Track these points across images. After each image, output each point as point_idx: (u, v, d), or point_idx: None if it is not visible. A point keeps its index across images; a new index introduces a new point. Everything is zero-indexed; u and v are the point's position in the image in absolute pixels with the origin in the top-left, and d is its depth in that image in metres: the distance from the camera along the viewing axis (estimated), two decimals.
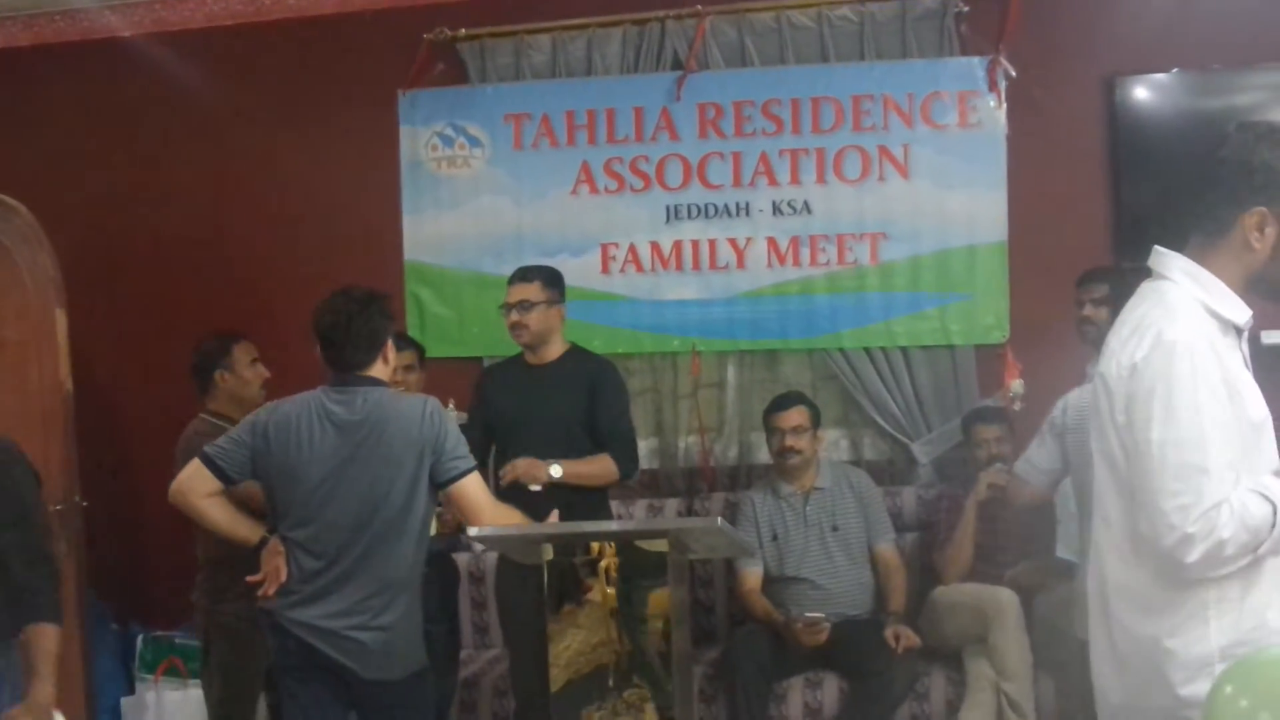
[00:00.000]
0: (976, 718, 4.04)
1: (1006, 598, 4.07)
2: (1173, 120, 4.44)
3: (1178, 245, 2.16)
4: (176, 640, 5.01)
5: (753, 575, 4.31)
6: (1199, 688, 1.98)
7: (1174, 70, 4.45)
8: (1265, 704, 1.84)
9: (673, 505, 4.78)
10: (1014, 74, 4.49)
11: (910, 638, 4.16)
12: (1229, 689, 1.92)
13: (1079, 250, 4.24)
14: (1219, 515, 1.97)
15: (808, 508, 4.26)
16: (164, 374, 4.87)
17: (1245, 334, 2.14)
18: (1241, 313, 2.10)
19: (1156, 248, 2.20)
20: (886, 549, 4.32)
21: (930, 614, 4.28)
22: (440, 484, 3.33)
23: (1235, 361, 2.08)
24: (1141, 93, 4.50)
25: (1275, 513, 1.95)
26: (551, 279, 4.01)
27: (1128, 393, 2.08)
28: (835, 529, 4.28)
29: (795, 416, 4.27)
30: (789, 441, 4.23)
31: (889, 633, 4.15)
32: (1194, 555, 1.97)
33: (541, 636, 3.35)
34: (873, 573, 4.35)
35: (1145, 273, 2.23)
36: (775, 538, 4.28)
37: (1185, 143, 4.34)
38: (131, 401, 5.26)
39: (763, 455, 4.67)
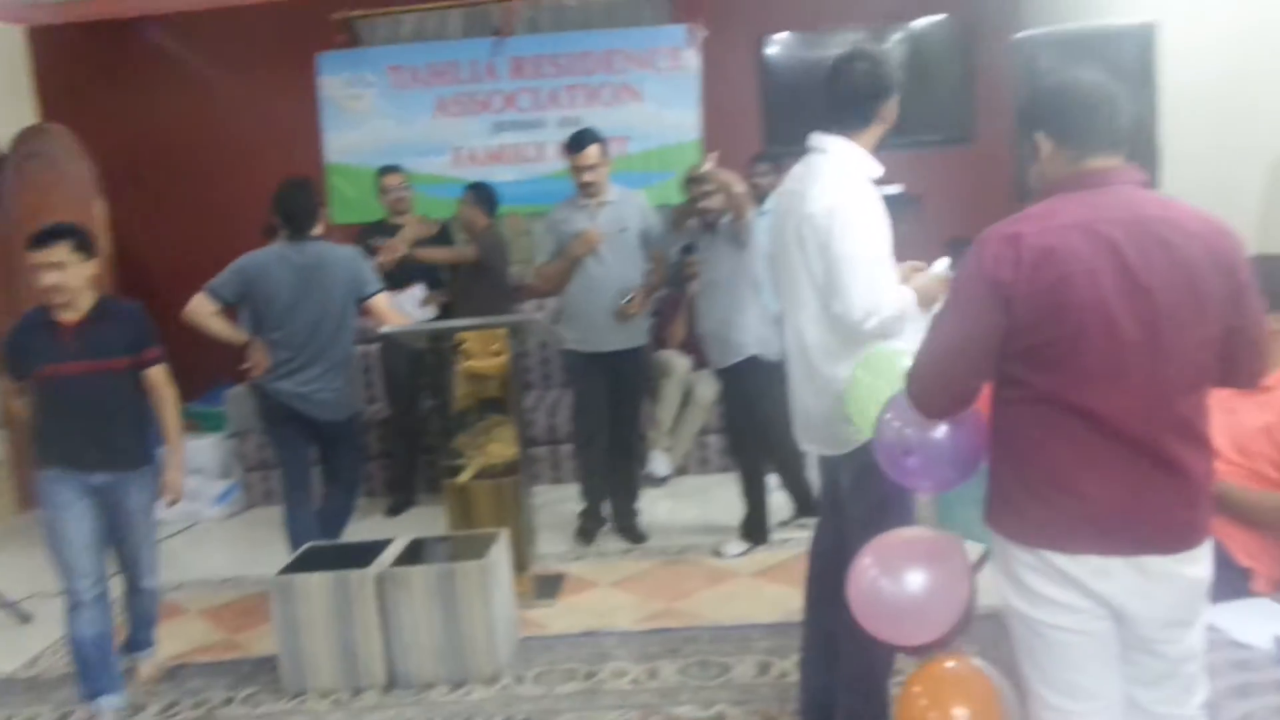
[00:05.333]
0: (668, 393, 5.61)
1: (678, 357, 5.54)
2: (794, 63, 5.84)
3: (825, 130, 2.52)
4: (192, 408, 5.74)
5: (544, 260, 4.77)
6: None
7: (794, 31, 5.87)
8: (878, 376, 2.25)
9: None
10: (702, 35, 5.84)
11: (638, 304, 4.65)
12: (859, 372, 2.36)
13: (742, 143, 5.31)
14: (887, 301, 2.39)
15: (600, 215, 4.61)
16: (174, 235, 6.16)
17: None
18: (878, 170, 2.53)
19: (814, 133, 2.53)
20: (660, 253, 4.85)
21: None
22: (360, 299, 4.04)
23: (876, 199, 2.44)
24: (776, 46, 5.91)
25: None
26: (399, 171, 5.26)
27: (826, 226, 2.42)
28: (623, 230, 4.65)
29: (591, 154, 4.43)
30: (586, 177, 4.47)
31: (635, 298, 4.61)
32: (871, 324, 2.39)
33: (416, 390, 4.24)
34: (646, 266, 4.78)
35: (804, 150, 2.57)
36: (576, 235, 4.60)
37: (800, 75, 5.72)
38: (158, 254, 6.21)
39: None
